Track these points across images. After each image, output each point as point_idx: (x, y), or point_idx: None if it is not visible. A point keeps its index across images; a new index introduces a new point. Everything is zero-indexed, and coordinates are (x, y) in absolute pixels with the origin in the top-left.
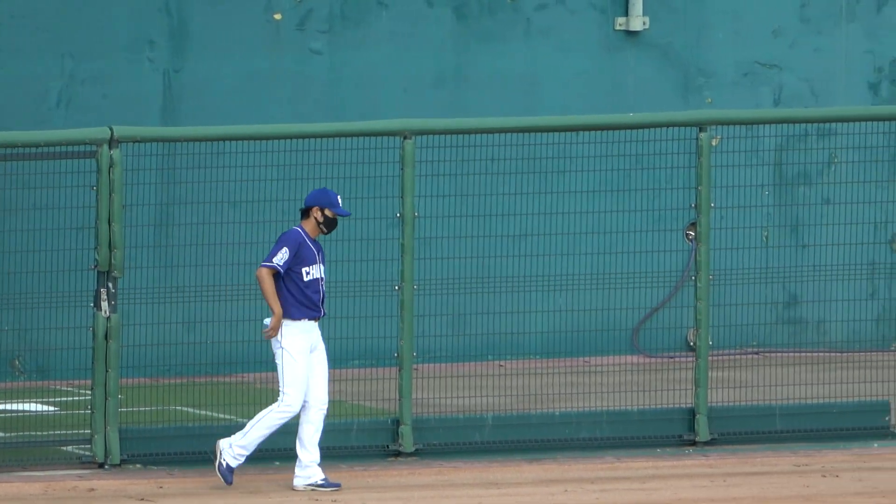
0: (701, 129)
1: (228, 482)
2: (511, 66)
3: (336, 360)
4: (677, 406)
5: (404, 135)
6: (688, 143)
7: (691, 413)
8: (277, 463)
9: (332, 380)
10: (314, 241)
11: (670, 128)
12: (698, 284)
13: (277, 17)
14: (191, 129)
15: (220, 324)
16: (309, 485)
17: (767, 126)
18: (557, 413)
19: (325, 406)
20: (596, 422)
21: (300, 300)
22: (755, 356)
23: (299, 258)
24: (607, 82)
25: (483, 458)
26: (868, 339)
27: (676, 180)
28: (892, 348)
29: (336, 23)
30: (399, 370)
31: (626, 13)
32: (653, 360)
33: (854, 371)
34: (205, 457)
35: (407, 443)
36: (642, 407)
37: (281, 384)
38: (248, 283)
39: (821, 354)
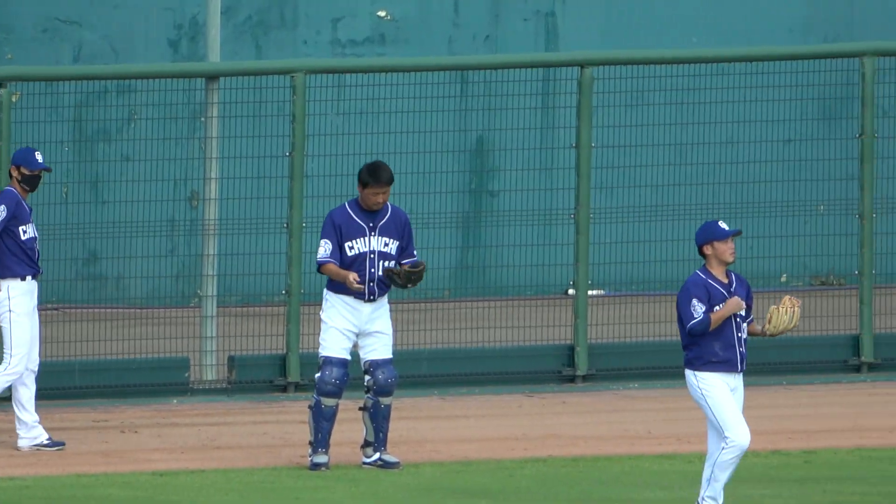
0: (1, 86)
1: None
2: None
3: None
4: None
5: None
6: None
7: None
8: None
9: None
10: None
11: None
12: None
13: None
14: None
15: None
16: (35, 445)
17: (67, 82)
18: None
19: (37, 367)
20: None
21: (21, 258)
22: (55, 312)
23: (16, 217)
24: None
25: None
26: (168, 296)
27: None
28: (192, 305)
29: None
30: None
31: None
32: None
33: (155, 327)
34: None
35: None
36: None
37: (9, 347)
38: None
39: (121, 310)
